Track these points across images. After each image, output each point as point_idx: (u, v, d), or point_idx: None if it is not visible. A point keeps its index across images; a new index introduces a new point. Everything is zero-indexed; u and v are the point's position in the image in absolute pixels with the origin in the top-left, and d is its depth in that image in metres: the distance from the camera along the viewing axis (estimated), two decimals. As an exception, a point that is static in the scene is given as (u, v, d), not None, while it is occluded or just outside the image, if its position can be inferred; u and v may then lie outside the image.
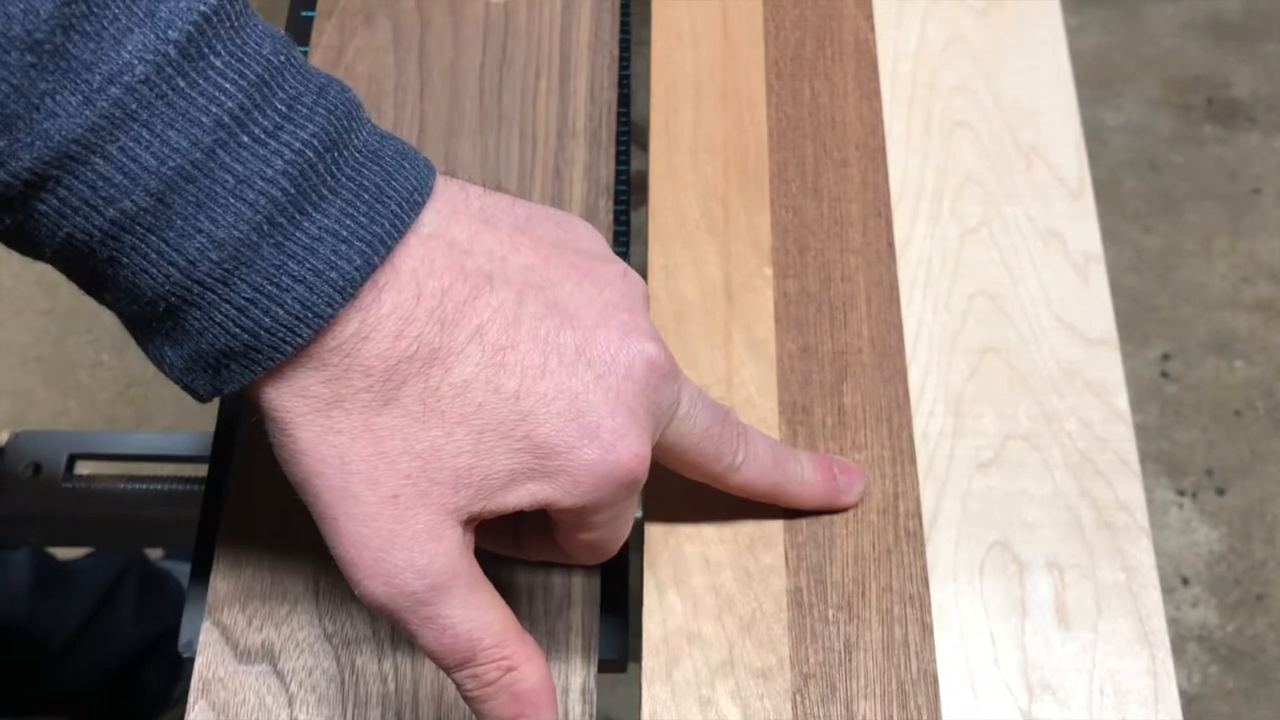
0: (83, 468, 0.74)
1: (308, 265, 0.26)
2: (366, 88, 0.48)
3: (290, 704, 0.37)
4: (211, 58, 0.25)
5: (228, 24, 0.26)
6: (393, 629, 0.38)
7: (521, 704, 0.29)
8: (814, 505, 0.36)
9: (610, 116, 0.48)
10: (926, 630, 0.35)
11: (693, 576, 0.35)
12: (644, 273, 0.40)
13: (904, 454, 0.37)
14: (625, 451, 0.29)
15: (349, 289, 0.26)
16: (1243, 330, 1.35)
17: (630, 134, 0.50)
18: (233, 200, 0.25)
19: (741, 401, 0.37)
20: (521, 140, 0.47)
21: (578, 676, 0.38)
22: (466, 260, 0.28)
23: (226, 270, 0.26)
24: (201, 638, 0.38)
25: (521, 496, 0.29)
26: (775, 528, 0.35)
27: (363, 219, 0.27)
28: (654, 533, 0.35)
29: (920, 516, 0.37)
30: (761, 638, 0.34)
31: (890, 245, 0.41)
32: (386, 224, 0.27)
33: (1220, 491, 1.26)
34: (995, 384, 0.42)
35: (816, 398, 0.38)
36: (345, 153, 0.27)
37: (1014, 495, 0.40)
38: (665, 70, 0.43)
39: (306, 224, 0.26)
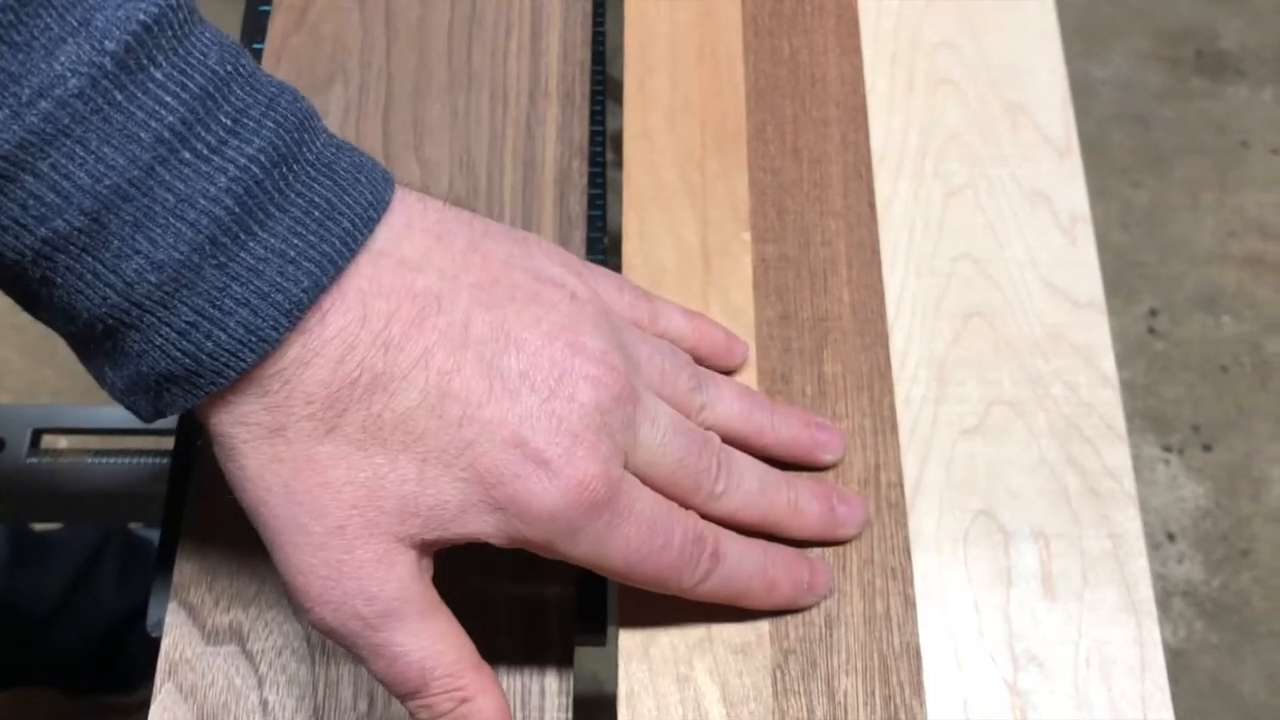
0: (50, 442, 0.73)
1: (252, 288, 0.25)
2: (331, 48, 0.46)
3: (260, 685, 0.36)
4: (151, 69, 0.24)
5: (170, 33, 0.24)
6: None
7: None
8: (808, 536, 0.34)
9: (584, 75, 0.47)
10: (909, 603, 0.34)
11: (669, 551, 0.34)
12: (618, 239, 0.39)
13: (885, 422, 0.36)
14: (573, 476, 0.28)
15: (295, 313, 0.25)
16: (1230, 285, 1.34)
17: (606, 91, 0.49)
18: (173, 220, 0.24)
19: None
20: (492, 100, 0.46)
21: (554, 653, 0.37)
22: (416, 279, 0.27)
23: (166, 293, 0.25)
24: (168, 619, 0.37)
25: (479, 527, 0.28)
26: (754, 500, 0.34)
27: (312, 237, 0.26)
28: (630, 507, 0.34)
29: (902, 487, 0.36)
30: (740, 613, 0.33)
31: (872, 207, 0.40)
32: (337, 242, 0.26)
33: (1207, 448, 1.25)
34: (979, 349, 0.41)
35: (796, 365, 0.37)
36: (295, 167, 0.26)
37: (998, 462, 0.39)
38: (639, 28, 0.41)
39: (251, 244, 0.25)
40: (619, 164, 0.43)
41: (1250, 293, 1.34)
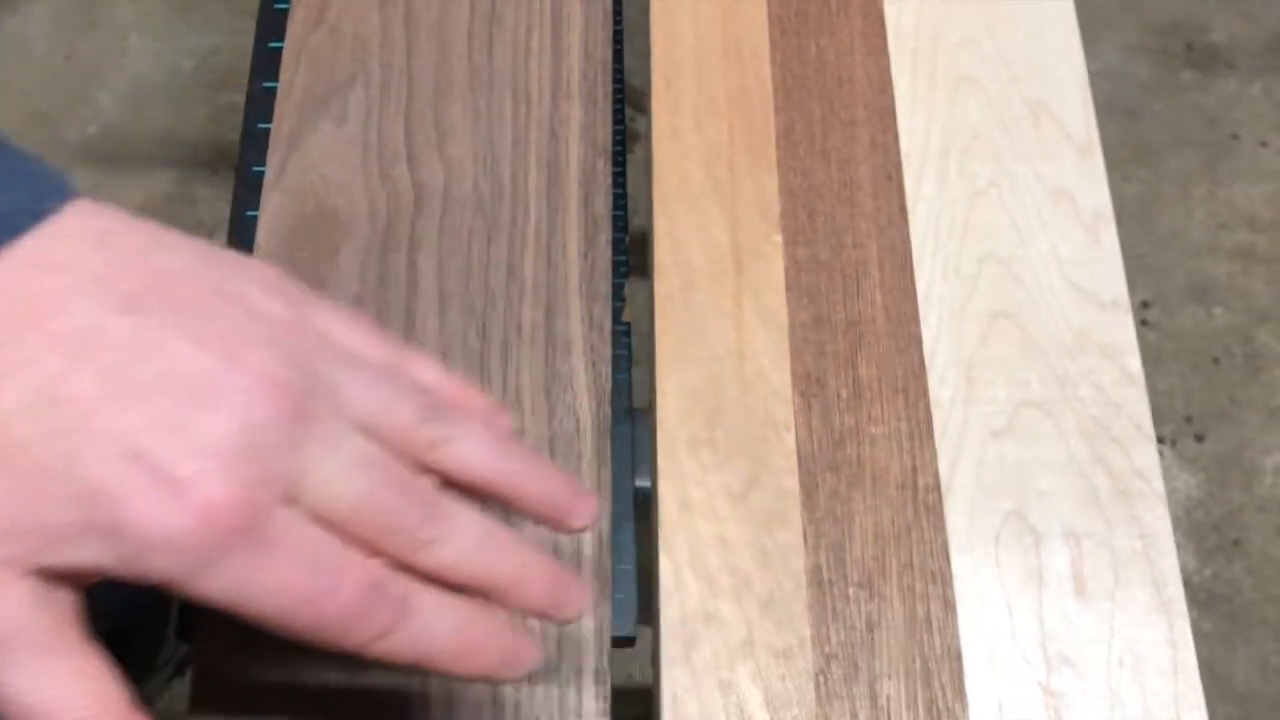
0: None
1: None
2: (351, 47, 0.46)
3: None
4: None
5: None
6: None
7: None
8: (525, 611, 0.30)
9: (605, 74, 0.46)
10: (949, 607, 0.34)
11: (709, 555, 0.34)
12: (648, 239, 0.39)
13: (921, 426, 0.36)
14: (202, 498, 0.24)
15: None
16: (1221, 277, 1.35)
17: (624, 91, 0.49)
18: None
19: (754, 375, 0.36)
20: (514, 101, 0.45)
21: (590, 660, 0.37)
22: (45, 280, 0.25)
23: None
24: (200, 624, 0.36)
25: (91, 554, 0.24)
26: (792, 504, 0.34)
27: None
28: (667, 510, 0.34)
29: (939, 490, 0.36)
30: (781, 617, 0.33)
31: (902, 209, 0.40)
32: None
33: (1199, 438, 1.26)
34: (1007, 349, 0.41)
35: (830, 369, 0.37)
36: None
37: (1028, 463, 0.39)
38: (664, 26, 0.41)
39: None
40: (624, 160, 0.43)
41: (1241, 284, 1.35)
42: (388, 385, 0.29)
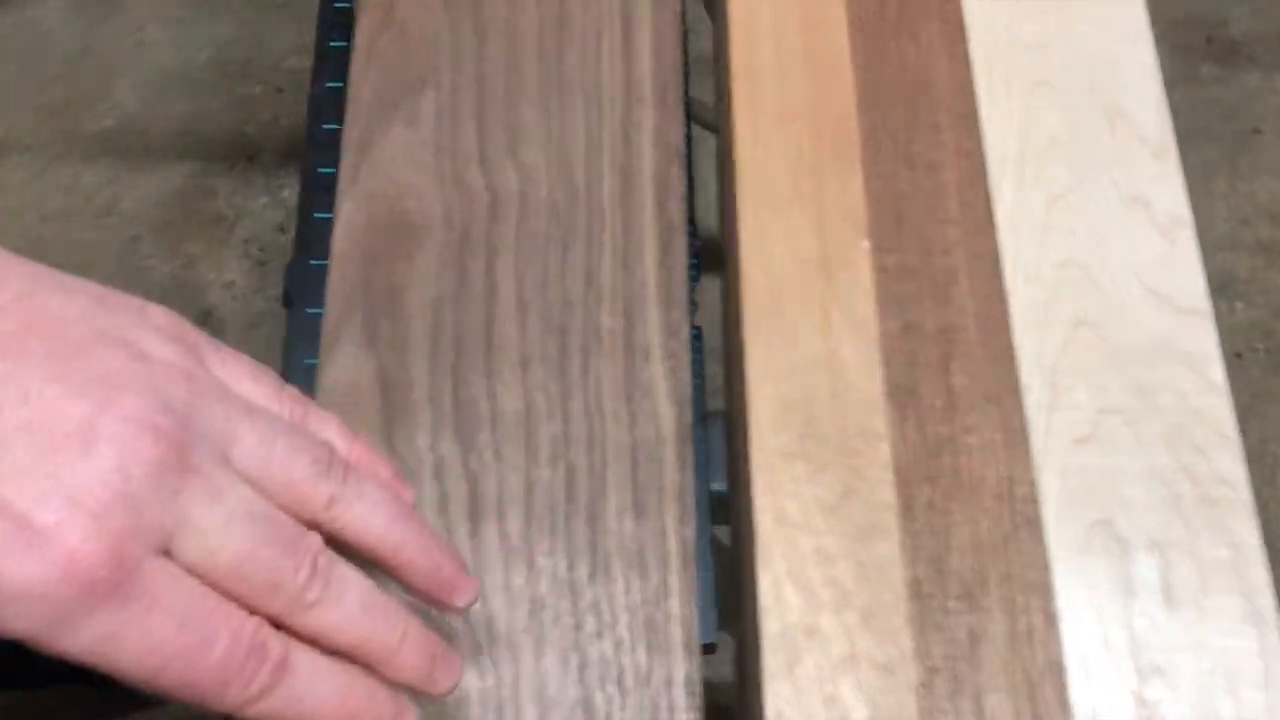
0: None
1: None
2: (420, 50, 0.45)
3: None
4: None
5: None
6: (488, 624, 0.37)
7: None
8: (398, 681, 0.29)
9: (677, 77, 0.46)
10: (1050, 619, 0.34)
11: (808, 569, 0.33)
12: (735, 246, 0.38)
13: (1017, 436, 0.36)
14: (64, 549, 0.23)
15: None
16: (1243, 272, 1.35)
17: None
18: None
19: (845, 385, 0.36)
20: (586, 104, 0.45)
21: (680, 668, 0.36)
22: None
23: None
24: (288, 637, 0.36)
25: None
26: (889, 516, 0.34)
27: None
28: (763, 523, 0.34)
29: (1036, 501, 0.36)
30: (882, 631, 0.33)
31: (989, 216, 0.39)
32: None
33: (1222, 434, 1.26)
34: (1088, 356, 0.41)
35: (923, 379, 0.36)
36: None
37: (1112, 472, 0.39)
38: (743, 28, 0.41)
39: None
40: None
41: (1263, 279, 1.35)
42: (286, 437, 0.28)
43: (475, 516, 0.38)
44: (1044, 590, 0.34)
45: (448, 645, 0.31)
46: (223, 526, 0.26)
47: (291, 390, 0.31)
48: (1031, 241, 0.42)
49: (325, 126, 0.48)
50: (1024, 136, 0.44)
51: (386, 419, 0.39)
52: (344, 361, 0.40)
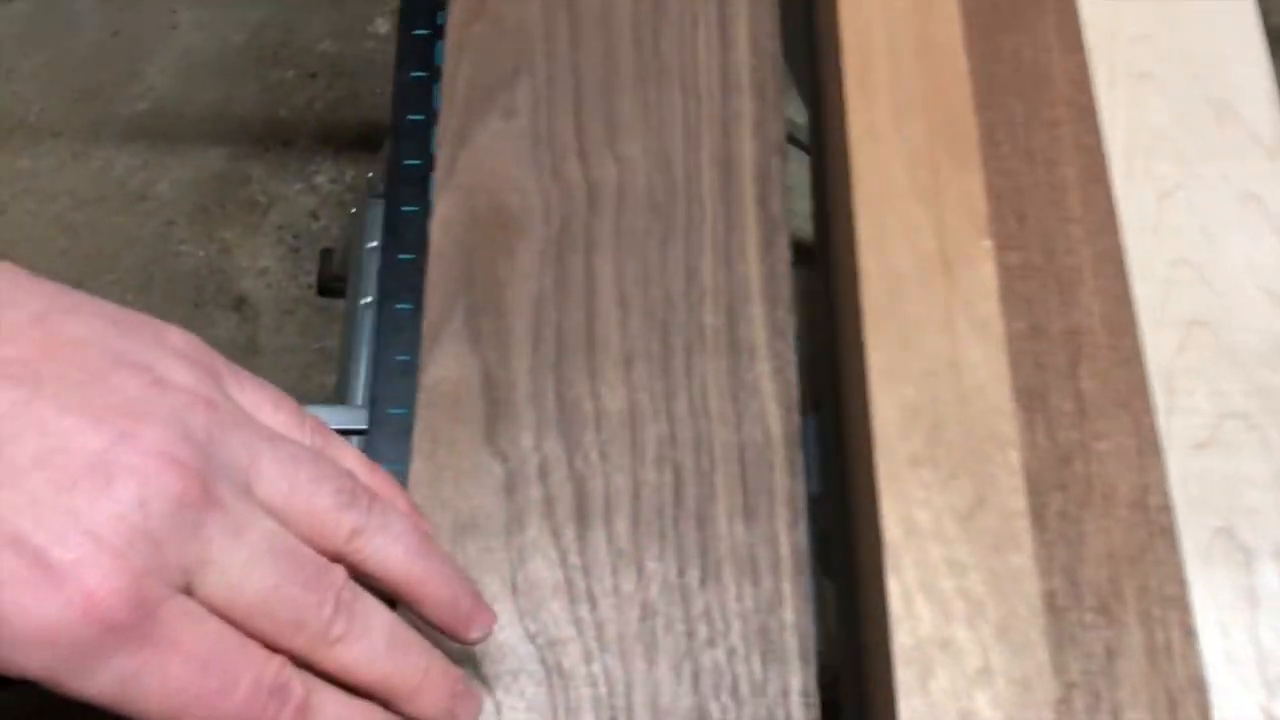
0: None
1: None
2: (514, 38, 0.44)
3: (498, 711, 0.34)
4: None
5: None
6: (598, 629, 0.36)
7: None
8: (418, 714, 0.29)
9: (775, 67, 0.45)
10: (1189, 634, 0.33)
11: (940, 580, 0.32)
12: (853, 245, 0.37)
13: (1148, 443, 0.35)
14: (82, 589, 0.22)
15: None
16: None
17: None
18: None
19: (972, 388, 0.34)
20: (684, 95, 0.44)
21: (796, 678, 0.36)
22: None
23: None
24: (396, 643, 0.35)
25: None
26: (1021, 526, 0.33)
27: None
28: (892, 531, 0.33)
29: (1170, 510, 0.34)
30: (1017, 644, 0.32)
31: (1111, 214, 0.38)
32: None
33: None
34: (1205, 359, 0.40)
35: (1052, 383, 0.35)
36: None
37: (1233, 478, 0.38)
38: (855, 19, 0.39)
39: None
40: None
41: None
42: (309, 466, 0.27)
43: (582, 519, 0.37)
44: (1181, 604, 0.33)
45: (468, 681, 0.31)
46: (246, 564, 0.25)
47: (313, 418, 0.30)
48: (1141, 239, 0.41)
49: (410, 117, 0.47)
50: (1131, 131, 0.43)
51: (489, 418, 0.38)
52: (445, 360, 0.39)
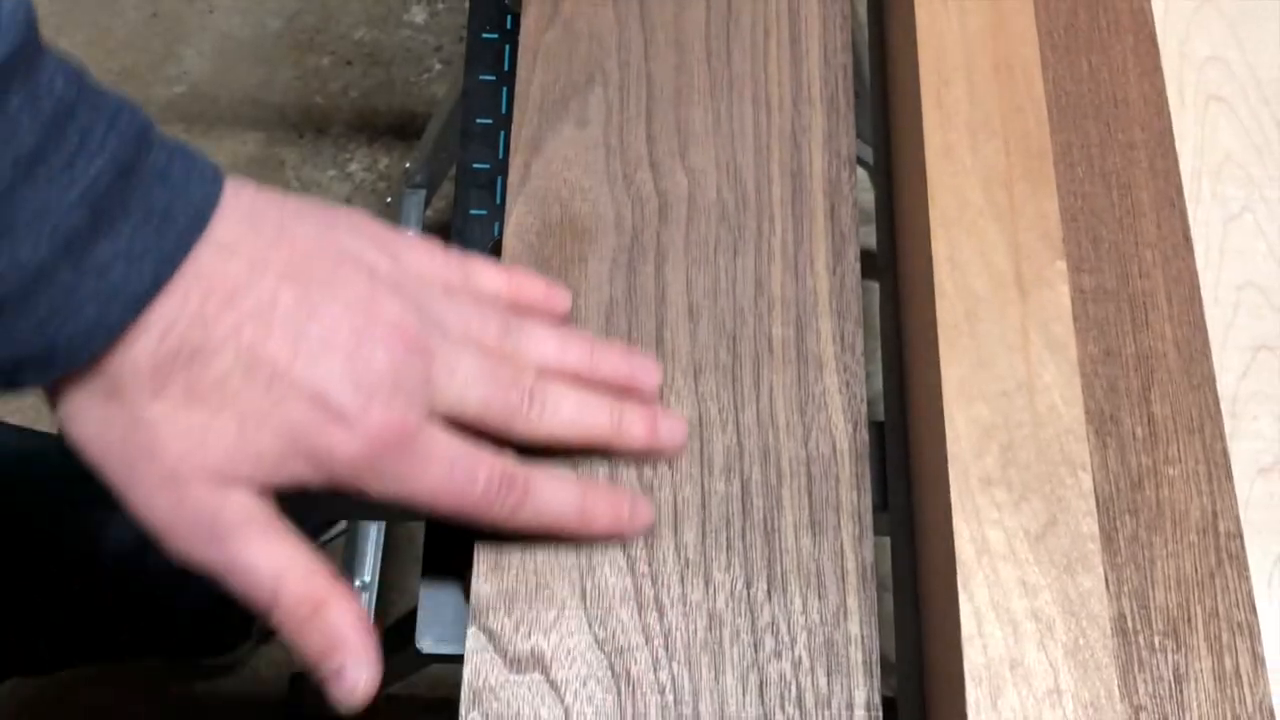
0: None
1: (102, 285, 0.28)
2: (588, 46, 0.44)
3: (566, 717, 0.35)
4: (7, 101, 0.27)
5: (24, 66, 0.27)
6: (666, 637, 0.36)
7: (331, 640, 0.31)
8: (634, 452, 0.37)
9: (846, 80, 0.45)
10: (1259, 661, 0.33)
11: (1011, 600, 0.33)
12: (929, 264, 0.37)
13: (1219, 468, 0.35)
14: (369, 426, 0.31)
15: (138, 306, 0.29)
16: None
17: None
18: (33, 229, 0.28)
19: (1045, 410, 0.35)
20: (755, 106, 0.44)
21: (861, 691, 0.36)
22: (229, 263, 0.31)
23: (26, 290, 0.28)
24: (469, 644, 0.36)
25: (298, 472, 0.31)
26: (1092, 549, 0.33)
27: (152, 238, 0.29)
28: (964, 551, 0.33)
29: (1241, 537, 0.35)
30: (1087, 666, 0.32)
31: (1187, 239, 0.38)
32: (174, 239, 0.30)
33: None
34: (1270, 383, 0.40)
35: (1124, 406, 0.35)
36: (135, 177, 0.29)
37: (1297, 503, 0.38)
38: (931, 37, 0.40)
39: (101, 246, 0.28)
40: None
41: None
42: (474, 311, 0.36)
43: (650, 528, 0.38)
44: (1252, 631, 0.33)
45: (667, 409, 0.39)
46: (462, 389, 0.34)
47: (455, 253, 0.38)
48: (1209, 262, 0.41)
49: (479, 121, 0.47)
50: (1199, 153, 0.43)
51: (561, 425, 0.38)
52: (519, 365, 0.39)
